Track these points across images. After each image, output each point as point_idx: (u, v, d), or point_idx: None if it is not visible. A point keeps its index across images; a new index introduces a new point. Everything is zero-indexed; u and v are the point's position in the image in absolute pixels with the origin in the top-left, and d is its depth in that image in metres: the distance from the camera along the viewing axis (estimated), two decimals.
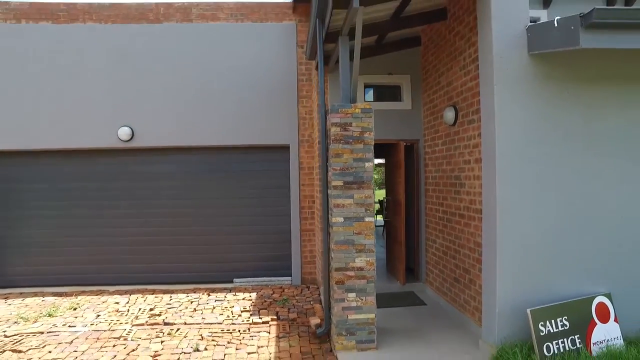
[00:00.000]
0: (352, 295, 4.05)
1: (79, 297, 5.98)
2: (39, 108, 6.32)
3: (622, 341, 3.62)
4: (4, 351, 4.11)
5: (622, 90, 3.82)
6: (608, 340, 3.61)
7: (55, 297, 6.00)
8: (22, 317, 5.07)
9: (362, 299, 4.05)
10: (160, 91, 6.44)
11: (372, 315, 4.07)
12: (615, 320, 3.69)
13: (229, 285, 6.57)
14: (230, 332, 4.65)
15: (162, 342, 4.39)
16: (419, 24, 5.18)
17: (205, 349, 4.20)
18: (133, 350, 4.17)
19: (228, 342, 4.37)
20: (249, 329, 4.77)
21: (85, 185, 6.54)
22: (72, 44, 6.34)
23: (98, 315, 5.20)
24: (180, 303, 5.67)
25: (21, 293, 6.26)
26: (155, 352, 4.13)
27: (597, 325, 3.64)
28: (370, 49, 5.72)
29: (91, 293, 6.20)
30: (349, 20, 4.01)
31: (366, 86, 6.14)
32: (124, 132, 6.31)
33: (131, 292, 6.21)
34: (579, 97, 3.78)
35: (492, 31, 3.69)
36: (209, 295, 6.07)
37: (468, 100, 4.50)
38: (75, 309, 5.44)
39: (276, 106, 6.56)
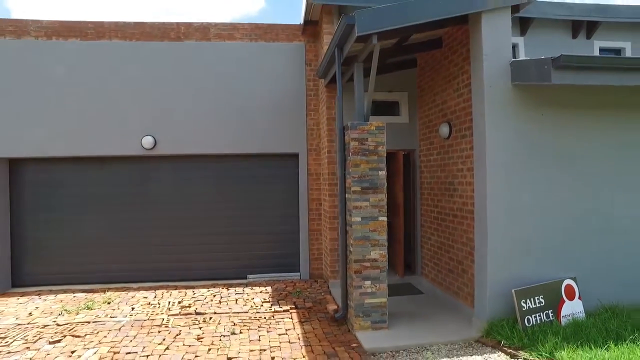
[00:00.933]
0: (367, 282, 4.81)
1: (107, 293, 6.50)
2: (71, 119, 6.82)
3: (583, 314, 4.53)
4: (65, 336, 4.65)
5: (581, 116, 4.77)
6: (573, 314, 4.51)
7: (85, 294, 6.49)
8: (65, 310, 5.59)
9: (376, 286, 4.82)
10: (181, 103, 7.04)
11: (384, 300, 4.83)
12: (579, 298, 4.59)
13: (244, 281, 7.22)
14: (258, 319, 5.32)
15: (200, 327, 5.02)
16: (417, 51, 6.02)
17: (241, 332, 4.86)
18: (178, 334, 4.79)
19: (258, 327, 5.05)
20: (273, 316, 5.45)
21: (111, 190, 7.07)
22: (100, 59, 6.87)
23: (133, 308, 5.76)
24: (204, 296, 6.29)
25: (50, 290, 6.71)
26: (198, 335, 4.76)
27: (565, 302, 4.53)
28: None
29: (117, 290, 6.72)
30: (365, 51, 4.79)
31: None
32: (147, 141, 6.88)
33: (155, 289, 6.76)
34: (550, 119, 4.70)
35: (483, 66, 4.55)
36: (227, 289, 6.70)
37: (461, 118, 5.35)
38: (109, 303, 5.98)
39: (287, 118, 7.28)
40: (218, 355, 4.18)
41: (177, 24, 7.05)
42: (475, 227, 4.88)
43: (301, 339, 4.64)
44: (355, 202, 4.82)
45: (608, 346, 3.76)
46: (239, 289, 6.69)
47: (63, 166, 6.99)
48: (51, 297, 6.36)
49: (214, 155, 7.25)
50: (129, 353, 4.20)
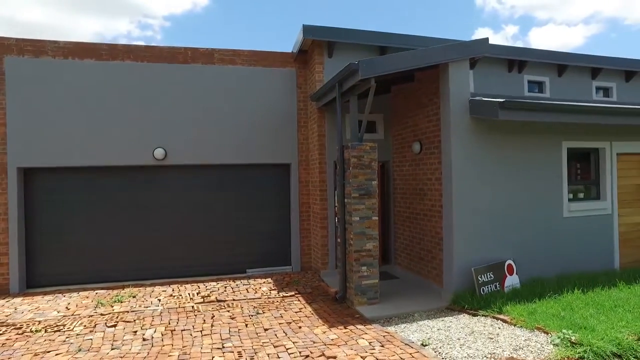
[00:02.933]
0: (364, 268, 6.16)
1: (127, 289, 7.24)
2: (90, 132, 7.48)
3: (519, 284, 6.23)
4: (118, 322, 5.48)
5: (517, 140, 6.49)
6: (513, 284, 6.20)
7: (105, 290, 7.19)
8: (100, 303, 6.33)
9: (370, 270, 6.18)
10: (188, 119, 7.94)
11: (376, 281, 6.21)
12: (516, 273, 6.30)
13: (244, 275, 8.26)
14: (272, 302, 6.47)
15: (228, 311, 6.07)
16: (393, 84, 7.50)
17: (264, 312, 5.98)
18: (212, 316, 5.80)
19: (276, 308, 6.20)
20: (283, 300, 6.62)
21: (124, 196, 7.79)
22: (114, 78, 7.58)
23: (159, 300, 6.63)
24: (216, 288, 7.28)
25: (69, 289, 7.30)
26: (230, 315, 5.82)
27: (507, 277, 6.21)
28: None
29: (133, 287, 7.47)
30: (363, 87, 6.15)
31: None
32: (159, 152, 7.71)
33: (169, 284, 7.61)
34: (496, 141, 6.37)
35: (450, 103, 6.10)
36: (234, 282, 7.73)
37: (430, 138, 6.90)
38: (134, 297, 6.78)
39: (280, 133, 8.44)
40: (256, 328, 5.28)
41: (185, 48, 7.94)
42: (444, 222, 6.43)
43: (314, 314, 5.87)
44: (355, 206, 6.15)
45: (534, 301, 5.44)
46: (244, 281, 7.74)
47: (78, 175, 7.60)
48: (74, 294, 6.99)
49: (217, 165, 8.22)
50: (184, 330, 5.18)
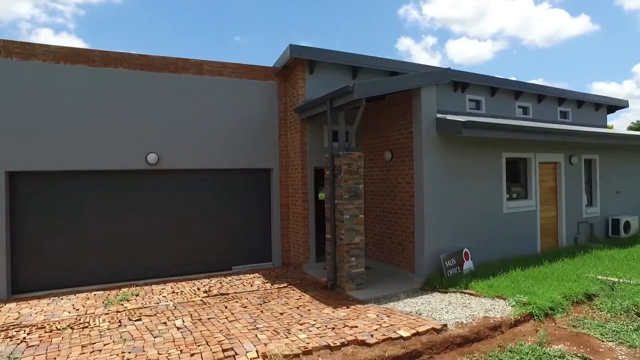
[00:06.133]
0: (353, 258, 7.22)
1: (122, 290, 7.48)
2: (85, 137, 7.57)
3: (473, 268, 7.77)
4: (140, 316, 5.89)
5: (471, 150, 8.07)
6: (469, 268, 7.72)
7: (103, 292, 7.36)
8: (109, 302, 6.59)
9: (358, 261, 7.26)
10: (179, 126, 8.36)
11: (363, 269, 7.31)
12: (470, 259, 7.84)
13: (230, 271, 8.87)
14: (271, 293, 7.25)
15: (236, 302, 6.73)
16: (368, 100, 8.67)
17: (269, 301, 6.75)
18: (225, 307, 6.43)
19: (278, 297, 7.00)
20: (279, 290, 7.43)
21: (115, 198, 7.96)
22: (106, 84, 7.75)
23: (163, 296, 7.04)
24: (212, 284, 7.83)
25: (61, 292, 7.33)
26: (241, 305, 6.51)
27: (465, 262, 7.71)
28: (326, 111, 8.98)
29: (128, 287, 7.70)
30: (351, 105, 7.22)
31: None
32: (152, 157, 8.04)
33: (163, 283, 7.96)
34: (456, 151, 7.86)
35: (422, 119, 7.44)
36: (225, 278, 8.32)
37: (401, 148, 8.20)
38: (137, 295, 7.09)
39: (263, 140, 9.20)
40: (272, 313, 6.06)
41: (176, 59, 8.35)
42: (415, 218, 7.75)
43: (315, 299, 6.79)
44: (345, 206, 7.20)
45: (490, 278, 6.97)
46: (235, 277, 8.37)
47: (68, 179, 7.63)
48: (71, 297, 7.08)
49: (204, 170, 8.73)
50: (210, 318, 5.78)
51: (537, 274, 7.15)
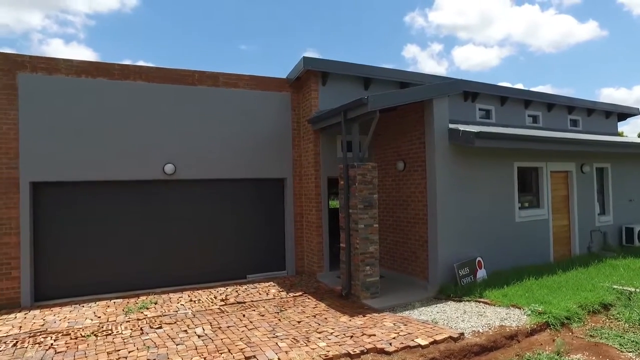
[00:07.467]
0: (367, 267, 7.31)
1: (140, 298, 7.64)
2: (105, 148, 7.82)
3: (486, 276, 7.82)
4: (162, 324, 6.03)
5: (483, 161, 8.16)
6: (483, 277, 7.77)
7: (122, 300, 7.52)
8: (129, 309, 6.74)
9: (372, 269, 7.35)
10: (195, 137, 8.57)
11: (377, 278, 7.40)
12: (484, 268, 7.88)
13: (245, 280, 8.99)
14: (287, 302, 7.35)
15: (253, 310, 6.85)
16: (380, 112, 8.83)
17: (285, 310, 6.86)
18: (243, 315, 6.55)
19: (294, 305, 7.10)
20: (295, 299, 7.53)
21: (133, 208, 8.16)
22: (125, 97, 7.99)
23: (182, 304, 7.18)
24: (228, 292, 7.96)
25: (83, 300, 7.50)
26: (259, 313, 6.62)
27: (478, 270, 7.76)
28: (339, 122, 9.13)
29: (147, 295, 7.85)
30: (365, 116, 7.36)
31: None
32: (169, 168, 8.24)
33: (180, 291, 8.10)
34: (468, 162, 7.95)
35: (434, 131, 7.56)
36: (240, 286, 8.44)
37: (413, 158, 8.31)
38: (156, 303, 7.24)
39: (277, 150, 9.37)
40: (290, 321, 6.17)
41: (192, 71, 8.59)
42: (429, 227, 7.83)
43: (331, 308, 6.89)
44: (360, 215, 7.31)
45: (504, 287, 7.01)
46: (250, 285, 8.49)
47: (88, 189, 7.85)
48: (92, 304, 7.25)
49: (220, 180, 8.91)
50: (229, 327, 5.90)
51: (551, 283, 7.18)
